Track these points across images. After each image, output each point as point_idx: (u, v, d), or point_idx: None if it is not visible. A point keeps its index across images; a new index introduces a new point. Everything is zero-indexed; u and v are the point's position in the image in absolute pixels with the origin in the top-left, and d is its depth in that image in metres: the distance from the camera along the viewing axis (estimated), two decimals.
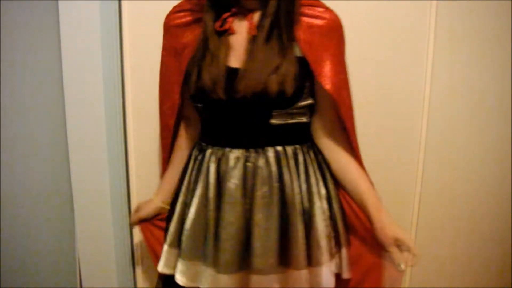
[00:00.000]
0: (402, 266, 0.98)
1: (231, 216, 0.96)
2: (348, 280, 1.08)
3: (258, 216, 0.96)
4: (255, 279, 0.98)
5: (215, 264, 0.98)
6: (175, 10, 1.05)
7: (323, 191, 1.03)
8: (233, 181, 0.96)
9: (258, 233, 0.96)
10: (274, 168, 0.97)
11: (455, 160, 1.48)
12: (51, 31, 1.28)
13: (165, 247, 1.08)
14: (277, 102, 0.95)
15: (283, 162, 0.98)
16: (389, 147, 1.45)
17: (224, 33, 0.97)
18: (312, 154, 1.04)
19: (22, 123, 1.38)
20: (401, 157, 1.46)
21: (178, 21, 1.03)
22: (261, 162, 0.97)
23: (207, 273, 0.99)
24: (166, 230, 1.10)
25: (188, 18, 1.02)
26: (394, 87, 1.40)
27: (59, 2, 1.23)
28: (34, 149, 1.40)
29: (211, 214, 0.98)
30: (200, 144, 1.06)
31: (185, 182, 1.07)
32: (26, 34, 1.32)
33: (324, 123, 1.05)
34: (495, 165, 1.48)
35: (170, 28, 1.05)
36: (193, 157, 1.07)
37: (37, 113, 1.38)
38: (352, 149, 1.06)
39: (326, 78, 0.96)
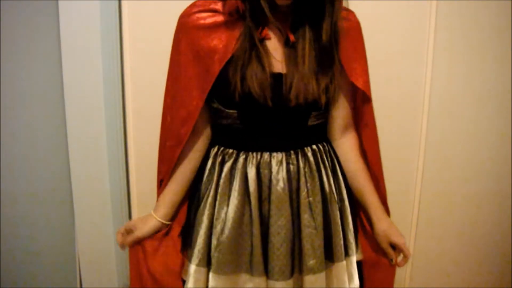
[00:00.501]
0: (393, 261, 1.08)
1: (282, 220, 0.96)
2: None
3: (305, 217, 0.97)
4: (308, 279, 0.99)
5: (267, 272, 0.97)
6: (196, 10, 0.95)
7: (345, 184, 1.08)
8: (280, 185, 0.96)
9: (306, 233, 0.97)
10: (314, 167, 1.00)
11: (455, 160, 1.48)
12: (51, 31, 1.28)
13: (193, 267, 1.00)
14: (318, 106, 0.97)
15: (320, 160, 1.01)
16: (389, 147, 1.45)
17: (263, 39, 0.95)
18: (332, 151, 1.07)
19: (22, 123, 1.38)
20: (401, 157, 1.46)
21: (203, 22, 0.94)
22: (302, 162, 0.99)
23: (253, 283, 0.99)
24: (185, 246, 1.05)
25: (215, 20, 0.94)
26: (394, 87, 1.40)
27: (59, 2, 1.23)
28: (34, 149, 1.40)
29: (256, 220, 0.96)
30: (225, 151, 1.02)
31: (211, 193, 1.00)
32: (26, 34, 1.32)
33: (340, 123, 1.08)
34: (495, 165, 1.48)
35: (191, 28, 0.95)
36: (217, 166, 1.01)
37: (37, 113, 1.38)
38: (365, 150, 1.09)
39: (358, 77, 1.01)
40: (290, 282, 0.97)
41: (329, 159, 1.04)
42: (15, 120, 1.38)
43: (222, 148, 1.02)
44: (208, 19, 0.94)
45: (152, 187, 1.47)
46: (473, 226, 1.53)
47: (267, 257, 0.96)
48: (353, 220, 1.06)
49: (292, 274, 0.97)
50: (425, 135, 1.44)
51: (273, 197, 0.96)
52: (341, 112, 1.05)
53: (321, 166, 1.01)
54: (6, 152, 1.39)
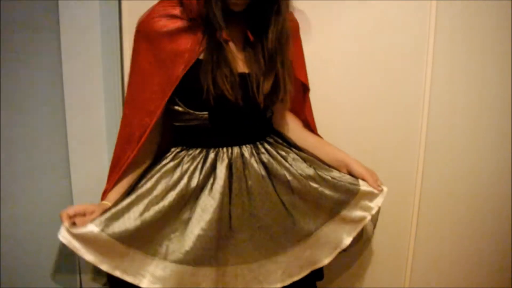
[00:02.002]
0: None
1: (268, 205, 1.05)
2: None
3: (286, 198, 1.09)
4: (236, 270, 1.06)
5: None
6: (156, 15, 0.99)
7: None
8: (259, 173, 1.05)
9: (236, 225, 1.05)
10: (276, 153, 1.10)
11: (455, 160, 1.48)
12: (51, 31, 1.28)
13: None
14: (274, 99, 1.07)
15: (279, 147, 1.13)
16: (389, 147, 1.45)
17: (226, 41, 1.00)
18: (280, 136, 1.19)
19: (22, 123, 1.38)
20: (401, 156, 1.46)
21: (165, 28, 0.97)
22: (269, 151, 1.09)
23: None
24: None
25: (177, 25, 0.97)
26: (394, 87, 1.41)
27: (59, 2, 1.23)
28: (34, 149, 1.40)
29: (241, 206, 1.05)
30: (189, 151, 1.07)
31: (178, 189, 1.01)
32: (26, 34, 1.32)
33: (287, 112, 1.22)
34: (495, 165, 1.48)
35: (153, 33, 0.98)
36: (184, 167, 1.04)
37: (37, 113, 1.38)
38: (308, 125, 1.23)
39: (301, 73, 1.15)
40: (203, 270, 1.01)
41: (284, 144, 1.15)
42: (15, 120, 1.38)
43: (185, 148, 1.07)
44: (170, 25, 0.97)
45: None
46: (473, 226, 1.53)
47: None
48: None
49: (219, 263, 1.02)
50: (425, 135, 1.44)
51: (253, 185, 1.04)
52: (283, 105, 1.13)
53: (281, 152, 1.11)
54: (6, 152, 1.39)
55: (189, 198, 1.02)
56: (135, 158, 1.06)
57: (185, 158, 1.05)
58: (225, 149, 1.05)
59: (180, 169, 1.04)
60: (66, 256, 1.48)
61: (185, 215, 1.01)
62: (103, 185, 1.35)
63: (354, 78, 1.39)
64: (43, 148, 1.40)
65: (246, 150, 1.06)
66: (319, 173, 1.10)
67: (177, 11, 0.98)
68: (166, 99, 0.99)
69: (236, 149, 1.05)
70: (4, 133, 1.38)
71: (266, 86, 1.02)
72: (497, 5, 1.36)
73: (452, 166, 1.48)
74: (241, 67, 1.02)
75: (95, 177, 1.35)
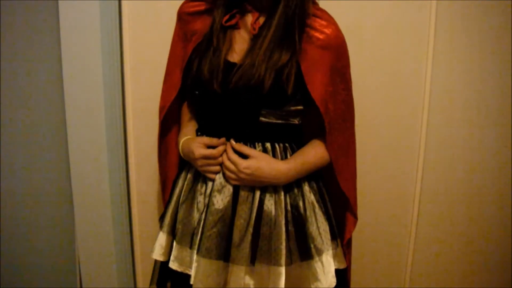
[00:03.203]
0: None
1: (220, 204, 1.00)
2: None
3: (241, 207, 1.00)
4: (231, 268, 1.01)
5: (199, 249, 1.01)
6: (188, 0, 1.09)
7: (314, 185, 1.08)
8: (222, 172, 1.01)
9: (238, 224, 0.99)
10: None
11: (455, 160, 1.48)
12: (51, 31, 1.28)
13: (161, 234, 1.12)
14: (268, 101, 0.97)
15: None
16: (389, 146, 1.45)
17: (231, 27, 1.01)
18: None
19: (22, 123, 1.38)
20: (401, 156, 1.46)
21: (192, 9, 1.07)
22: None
23: (191, 257, 1.04)
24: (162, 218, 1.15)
25: (201, 7, 1.05)
26: (394, 87, 1.40)
27: (59, 2, 1.23)
28: (34, 149, 1.40)
29: (202, 201, 1.04)
30: (197, 133, 1.10)
31: (183, 175, 1.11)
32: (26, 34, 1.32)
33: (313, 128, 1.08)
34: (495, 165, 1.48)
35: (182, 15, 1.09)
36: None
37: (37, 113, 1.38)
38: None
39: (314, 87, 0.99)
40: (215, 263, 1.00)
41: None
42: (15, 120, 1.38)
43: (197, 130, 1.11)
44: (197, 7, 1.06)
45: (152, 187, 1.47)
46: (473, 226, 1.53)
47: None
48: (330, 226, 1.07)
49: (220, 257, 1.00)
50: (425, 135, 1.44)
51: (215, 183, 1.01)
52: (308, 119, 1.07)
53: None
54: (6, 152, 1.39)
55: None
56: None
57: None
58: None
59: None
60: (66, 256, 1.48)
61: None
62: (103, 185, 1.36)
63: (354, 78, 1.39)
64: (43, 148, 1.40)
65: (228, 145, 1.01)
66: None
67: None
68: (180, 74, 1.07)
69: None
70: (4, 133, 1.38)
71: (259, 74, 0.94)
72: (497, 5, 1.36)
73: (452, 166, 1.48)
74: (234, 57, 0.99)
75: (95, 177, 1.35)
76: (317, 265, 1.03)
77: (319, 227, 1.04)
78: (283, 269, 0.99)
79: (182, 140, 1.08)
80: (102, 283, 1.43)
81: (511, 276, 1.57)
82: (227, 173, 0.99)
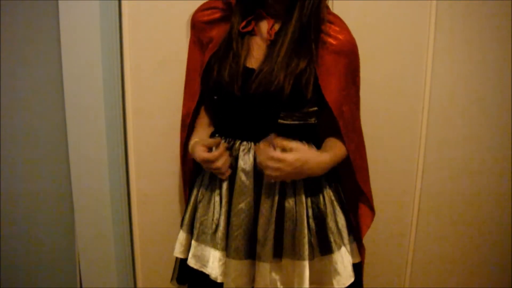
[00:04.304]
0: None
1: (242, 205, 1.03)
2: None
3: (264, 206, 1.03)
4: (258, 265, 1.04)
5: (226, 249, 1.05)
6: (203, 8, 1.12)
7: (331, 182, 1.11)
8: (243, 173, 1.03)
9: (261, 222, 1.02)
10: None
11: (455, 160, 1.48)
12: (51, 31, 1.28)
13: (181, 232, 1.17)
14: (287, 104, 1.00)
15: None
16: (389, 147, 1.45)
17: (247, 34, 1.03)
18: None
19: (22, 123, 1.38)
20: (401, 157, 1.46)
21: (207, 18, 1.10)
22: None
23: (213, 256, 1.06)
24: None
25: (216, 15, 1.08)
26: (394, 87, 1.40)
27: (59, 2, 1.23)
28: (34, 149, 1.40)
29: (224, 200, 1.06)
30: (213, 134, 1.12)
31: (200, 177, 1.14)
32: (26, 34, 1.32)
33: (326, 127, 1.11)
34: (495, 165, 1.48)
35: (197, 23, 1.13)
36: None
37: (37, 113, 1.38)
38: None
39: (329, 91, 1.02)
40: (245, 263, 1.04)
41: None
42: (15, 120, 1.38)
43: (213, 132, 1.14)
44: (212, 15, 1.09)
45: (152, 187, 1.47)
46: (473, 226, 1.53)
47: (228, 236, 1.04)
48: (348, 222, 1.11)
49: (248, 256, 1.04)
50: (425, 135, 1.44)
51: (236, 184, 1.03)
52: (323, 119, 1.09)
53: None
54: (6, 152, 1.39)
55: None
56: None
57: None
58: (228, 140, 1.07)
59: None
60: (66, 256, 1.48)
61: None
62: (103, 185, 1.35)
63: None
64: (43, 148, 1.40)
65: (244, 146, 1.04)
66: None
67: (219, 4, 1.08)
68: (199, 79, 1.10)
69: (237, 143, 1.06)
70: (4, 133, 1.38)
71: (278, 80, 0.96)
72: (497, 5, 1.36)
73: (452, 166, 1.48)
74: (252, 62, 1.02)
75: (95, 177, 1.35)
76: (338, 259, 1.07)
77: (337, 222, 1.08)
78: (307, 263, 1.03)
79: (190, 144, 1.12)
80: (102, 283, 1.43)
81: (511, 276, 1.57)
82: (270, 172, 0.96)
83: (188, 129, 1.18)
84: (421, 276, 1.57)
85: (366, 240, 1.25)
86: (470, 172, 1.49)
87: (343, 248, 1.08)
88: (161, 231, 1.48)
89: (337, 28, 1.02)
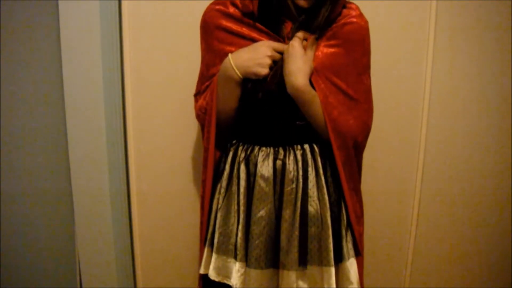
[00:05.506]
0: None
1: (262, 212, 1.00)
2: None
3: (286, 212, 1.00)
4: (282, 274, 1.01)
5: (246, 259, 1.01)
6: (222, 12, 1.02)
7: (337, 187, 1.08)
8: (263, 179, 1.01)
9: (285, 228, 1.00)
10: (300, 165, 1.01)
11: (455, 160, 1.48)
12: (51, 31, 1.28)
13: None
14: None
15: (309, 159, 1.02)
16: (389, 146, 1.45)
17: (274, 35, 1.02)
18: (321, 153, 1.06)
19: (22, 123, 1.38)
20: (401, 156, 1.46)
21: (224, 23, 1.01)
22: (289, 159, 1.01)
23: (235, 267, 1.03)
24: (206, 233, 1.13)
25: (243, 30, 1.01)
26: (394, 87, 1.41)
27: (59, 2, 1.23)
28: (34, 149, 1.40)
29: (242, 209, 1.02)
30: (231, 142, 1.10)
31: (219, 186, 1.09)
32: (26, 34, 1.32)
33: None
34: (495, 165, 1.49)
35: (216, 30, 1.02)
36: (229, 157, 1.08)
37: (37, 113, 1.38)
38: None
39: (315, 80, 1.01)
40: (266, 272, 1.01)
41: (317, 161, 1.03)
42: (15, 120, 1.38)
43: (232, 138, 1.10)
44: (237, 27, 1.01)
45: (152, 187, 1.47)
46: (473, 226, 1.53)
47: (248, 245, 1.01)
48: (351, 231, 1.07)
49: (270, 265, 1.01)
50: (425, 135, 1.44)
51: (255, 191, 1.01)
52: None
53: (311, 166, 1.02)
54: (6, 152, 1.39)
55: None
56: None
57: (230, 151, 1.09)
58: (245, 146, 1.05)
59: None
60: (66, 256, 1.48)
61: None
62: (103, 185, 1.35)
63: None
64: (43, 148, 1.40)
65: (263, 152, 1.03)
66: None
67: (231, 9, 1.01)
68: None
69: (256, 148, 1.04)
70: (4, 133, 1.38)
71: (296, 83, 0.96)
72: (497, 5, 1.36)
73: (452, 166, 1.48)
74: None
75: (95, 177, 1.35)
76: (350, 266, 1.04)
77: (347, 228, 1.06)
78: (333, 269, 1.00)
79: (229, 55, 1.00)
80: (102, 283, 1.43)
81: (511, 276, 1.57)
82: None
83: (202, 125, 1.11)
84: (421, 276, 1.57)
85: (366, 240, 1.25)
86: (470, 172, 1.49)
87: (351, 255, 1.05)
88: (161, 231, 1.48)
89: (345, 10, 1.08)
